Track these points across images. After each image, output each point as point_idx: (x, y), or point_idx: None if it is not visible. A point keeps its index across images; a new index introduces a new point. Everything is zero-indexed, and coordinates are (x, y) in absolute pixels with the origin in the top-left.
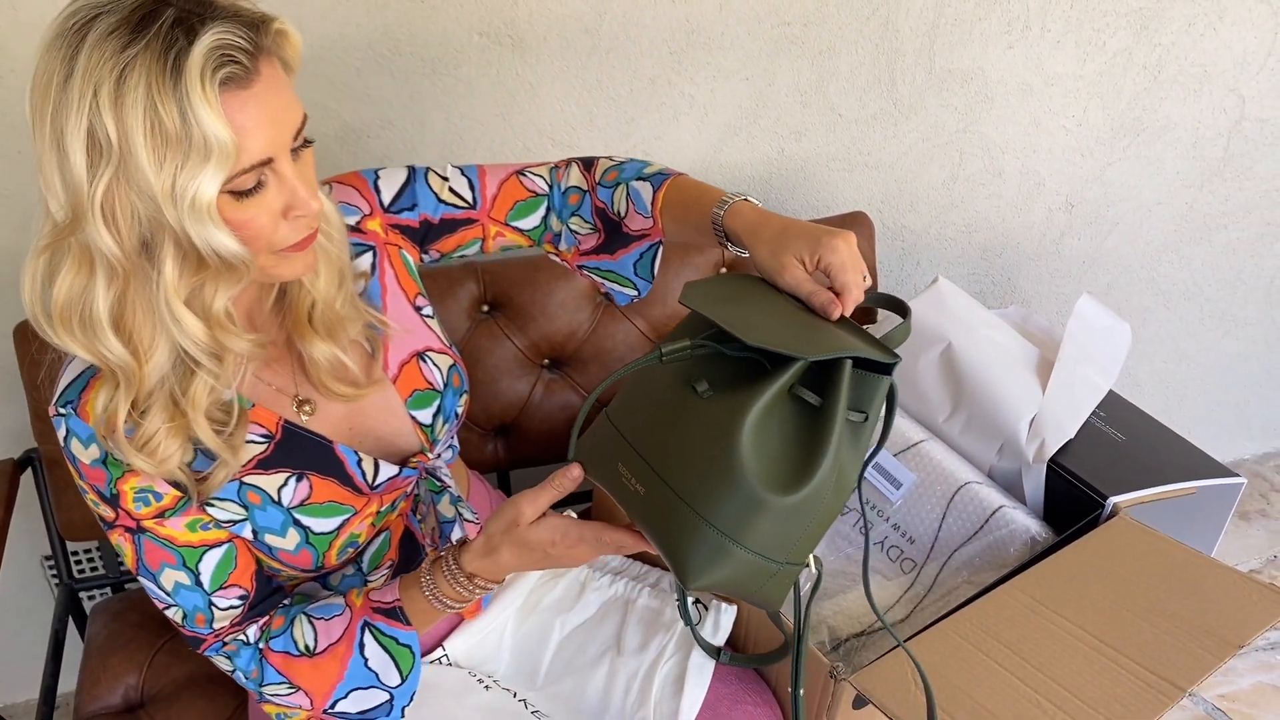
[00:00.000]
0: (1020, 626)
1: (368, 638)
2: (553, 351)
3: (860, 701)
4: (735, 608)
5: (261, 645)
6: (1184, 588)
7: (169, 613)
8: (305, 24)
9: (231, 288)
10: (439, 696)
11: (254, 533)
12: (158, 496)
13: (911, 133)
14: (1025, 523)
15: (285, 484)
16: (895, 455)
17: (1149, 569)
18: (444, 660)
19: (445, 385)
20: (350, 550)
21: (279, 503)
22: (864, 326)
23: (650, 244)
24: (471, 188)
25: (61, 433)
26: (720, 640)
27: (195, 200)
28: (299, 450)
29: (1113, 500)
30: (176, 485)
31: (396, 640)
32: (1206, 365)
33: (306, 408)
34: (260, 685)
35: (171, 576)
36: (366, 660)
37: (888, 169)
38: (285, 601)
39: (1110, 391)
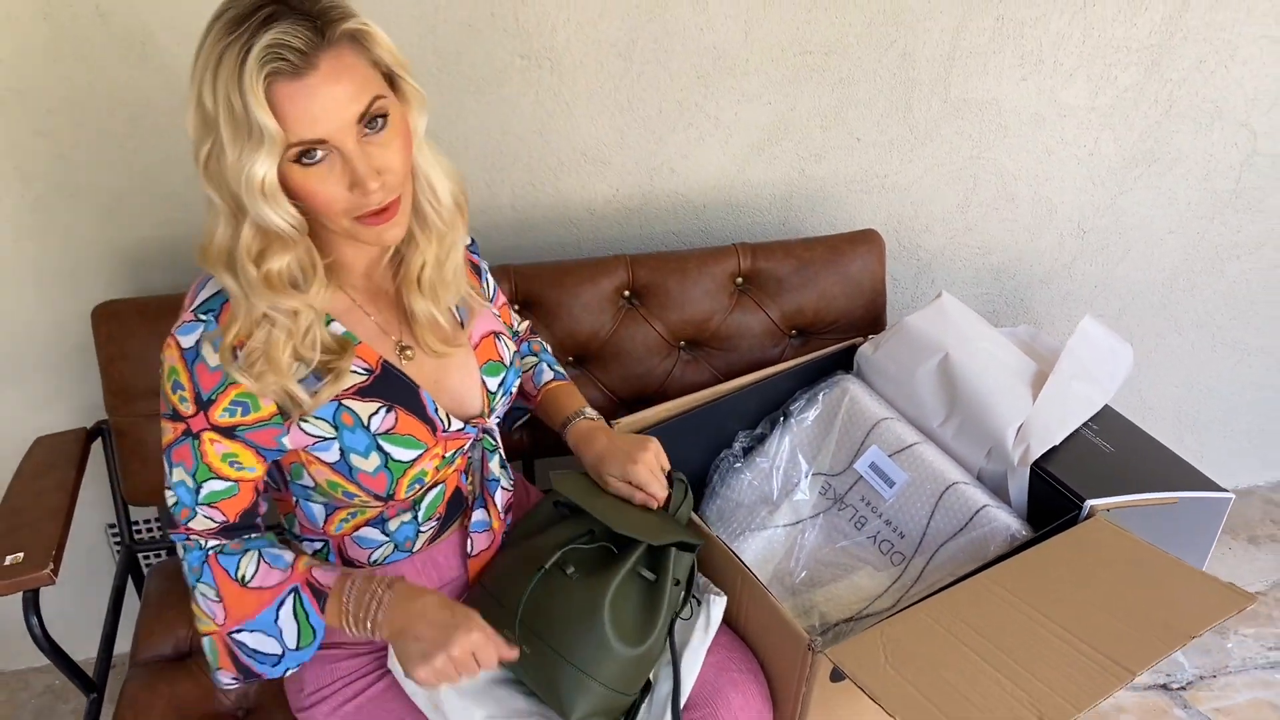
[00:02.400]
0: (989, 612)
1: (289, 601)
2: (577, 349)
3: (837, 675)
4: (725, 598)
5: (210, 552)
6: (1147, 584)
7: (166, 493)
8: None
9: (284, 255)
10: None
11: (341, 452)
12: (252, 409)
13: (927, 158)
14: (1007, 521)
15: (376, 413)
16: (890, 456)
17: (1116, 566)
18: None
19: (510, 364)
20: (417, 487)
21: (367, 428)
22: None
23: (526, 409)
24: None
25: (196, 334)
26: (713, 631)
27: (249, 179)
28: (392, 387)
29: (1090, 503)
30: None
31: (309, 617)
32: (1219, 392)
33: (407, 352)
34: (197, 581)
35: (180, 474)
36: (278, 617)
37: (904, 191)
38: (252, 535)
39: (1111, 409)
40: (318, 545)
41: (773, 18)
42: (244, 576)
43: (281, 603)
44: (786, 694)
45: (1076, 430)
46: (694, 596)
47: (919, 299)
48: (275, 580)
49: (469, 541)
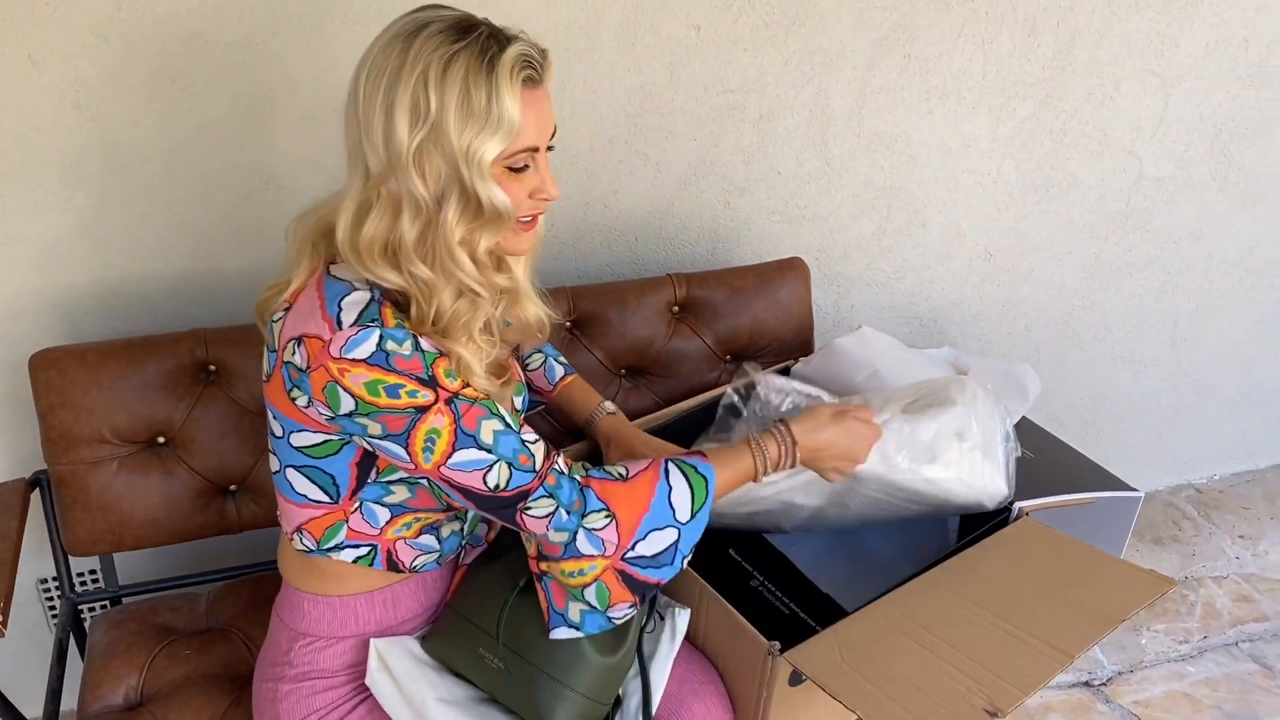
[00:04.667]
0: (935, 609)
1: (671, 468)
2: None
3: (795, 679)
4: (689, 609)
5: (579, 476)
6: (1077, 574)
7: (491, 476)
8: (299, 86)
9: (495, 235)
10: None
11: None
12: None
13: (843, 189)
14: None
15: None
16: None
17: (1048, 560)
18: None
19: (523, 382)
20: None
21: None
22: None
23: (541, 403)
24: None
25: (373, 340)
26: (678, 642)
27: (480, 160)
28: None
29: (1018, 505)
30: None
31: (696, 469)
32: (1120, 402)
33: None
34: (581, 517)
35: (490, 427)
36: (671, 490)
37: (823, 221)
38: None
39: (1028, 420)
40: (362, 551)
41: (695, 59)
42: (622, 474)
43: (667, 472)
44: (747, 701)
45: None
46: (657, 612)
47: (840, 323)
48: (645, 464)
49: (463, 551)
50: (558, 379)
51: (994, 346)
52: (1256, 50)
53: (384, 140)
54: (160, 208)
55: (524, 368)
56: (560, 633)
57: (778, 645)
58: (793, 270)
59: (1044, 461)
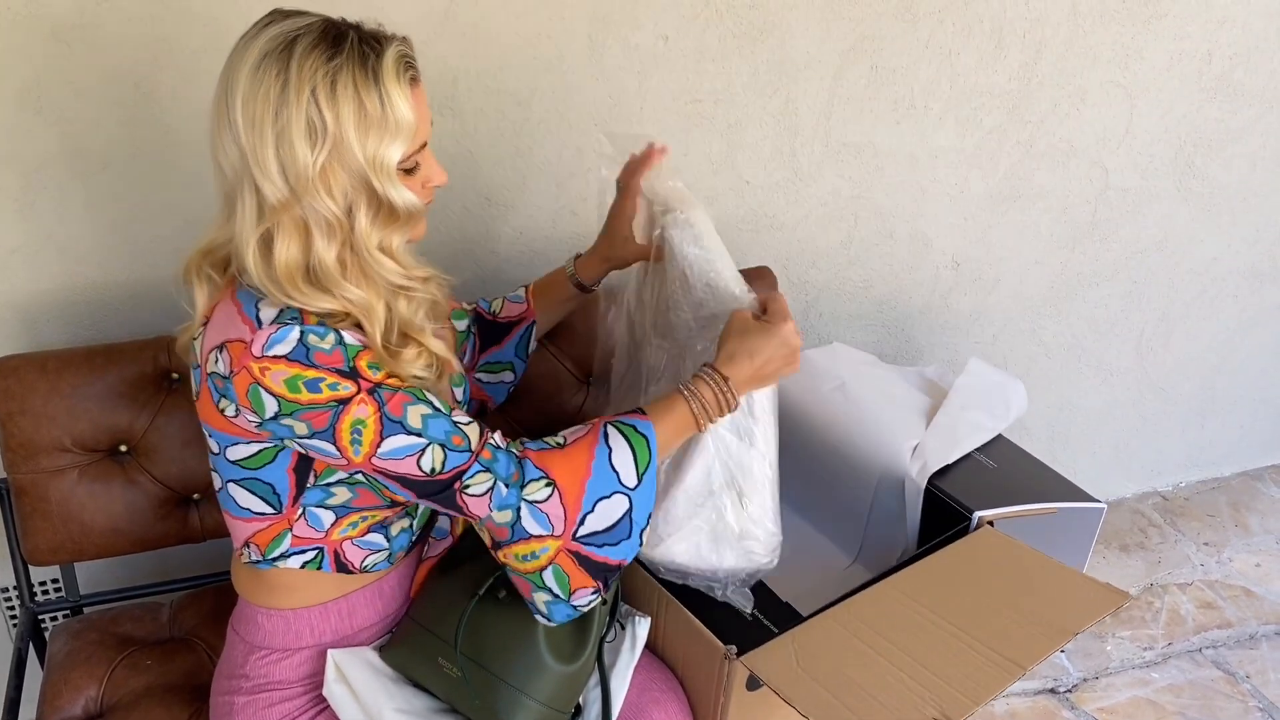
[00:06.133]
0: (891, 617)
1: (610, 429)
2: None
3: (753, 684)
4: (650, 619)
5: (517, 450)
6: (1033, 586)
7: (425, 460)
8: None
9: (407, 232)
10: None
11: None
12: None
13: (811, 199)
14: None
15: None
16: None
17: (1005, 570)
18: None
19: (462, 373)
20: None
21: None
22: None
23: (526, 326)
24: None
25: (293, 335)
26: (639, 650)
27: (388, 166)
28: None
29: (978, 514)
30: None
31: (635, 428)
32: (1087, 411)
33: None
34: (521, 488)
35: (418, 411)
36: (611, 452)
37: (790, 230)
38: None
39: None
40: (309, 555)
41: (663, 69)
42: (560, 442)
43: (606, 434)
44: (706, 707)
45: (969, 453)
46: (618, 621)
47: (809, 331)
48: (585, 430)
49: (426, 545)
50: (525, 292)
51: (961, 356)
52: (1219, 63)
53: (282, 167)
54: (123, 214)
55: (493, 316)
56: (539, 619)
57: (734, 649)
58: (760, 279)
59: (1008, 471)
